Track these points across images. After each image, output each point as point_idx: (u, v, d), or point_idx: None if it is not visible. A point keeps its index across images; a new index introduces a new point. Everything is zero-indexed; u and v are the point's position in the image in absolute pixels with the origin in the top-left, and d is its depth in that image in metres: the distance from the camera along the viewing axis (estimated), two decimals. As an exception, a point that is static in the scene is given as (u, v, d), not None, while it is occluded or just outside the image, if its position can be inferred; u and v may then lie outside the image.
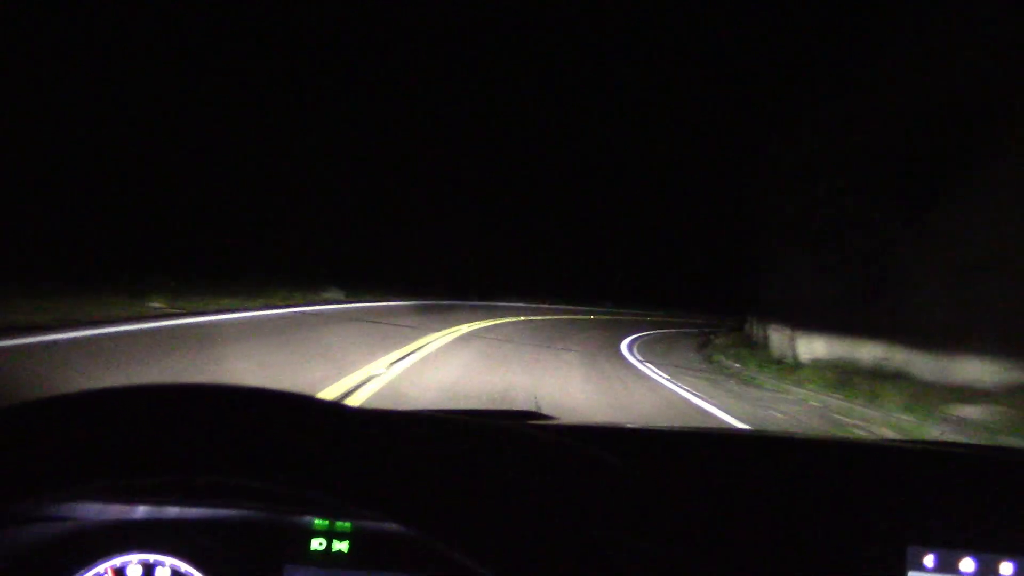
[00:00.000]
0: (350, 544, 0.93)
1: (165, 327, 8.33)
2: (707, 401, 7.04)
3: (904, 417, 6.74)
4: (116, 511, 0.96)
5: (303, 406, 0.54)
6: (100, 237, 15.17)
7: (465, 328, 12.69)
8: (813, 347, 10.78)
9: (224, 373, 5.66)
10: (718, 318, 26.91)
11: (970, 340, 7.75)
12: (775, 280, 13.59)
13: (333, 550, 0.93)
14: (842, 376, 9.11)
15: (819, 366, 10.07)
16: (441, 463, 0.53)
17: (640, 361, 10.61)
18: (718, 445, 1.06)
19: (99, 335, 7.00)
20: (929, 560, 0.80)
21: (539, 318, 19.25)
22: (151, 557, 0.94)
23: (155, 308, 10.10)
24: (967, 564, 0.80)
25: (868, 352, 9.71)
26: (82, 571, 0.93)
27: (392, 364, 7.25)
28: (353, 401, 5.08)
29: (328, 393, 5.33)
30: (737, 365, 11.23)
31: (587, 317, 22.94)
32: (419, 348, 8.98)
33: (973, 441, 5.26)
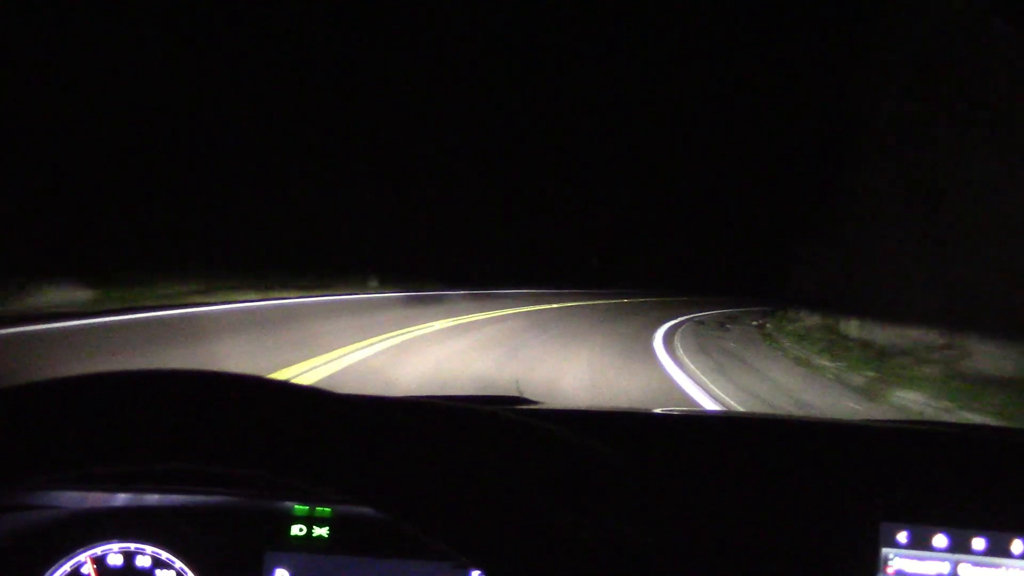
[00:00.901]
0: (330, 529, 0.94)
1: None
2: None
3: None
4: (96, 499, 0.96)
5: (280, 392, 0.53)
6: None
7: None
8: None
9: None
10: (736, 300, 26.48)
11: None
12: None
13: (313, 535, 0.93)
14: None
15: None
16: (419, 448, 0.52)
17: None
18: (696, 427, 1.07)
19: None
20: (902, 536, 0.81)
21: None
22: (131, 545, 0.93)
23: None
24: (940, 540, 0.82)
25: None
26: (62, 560, 0.92)
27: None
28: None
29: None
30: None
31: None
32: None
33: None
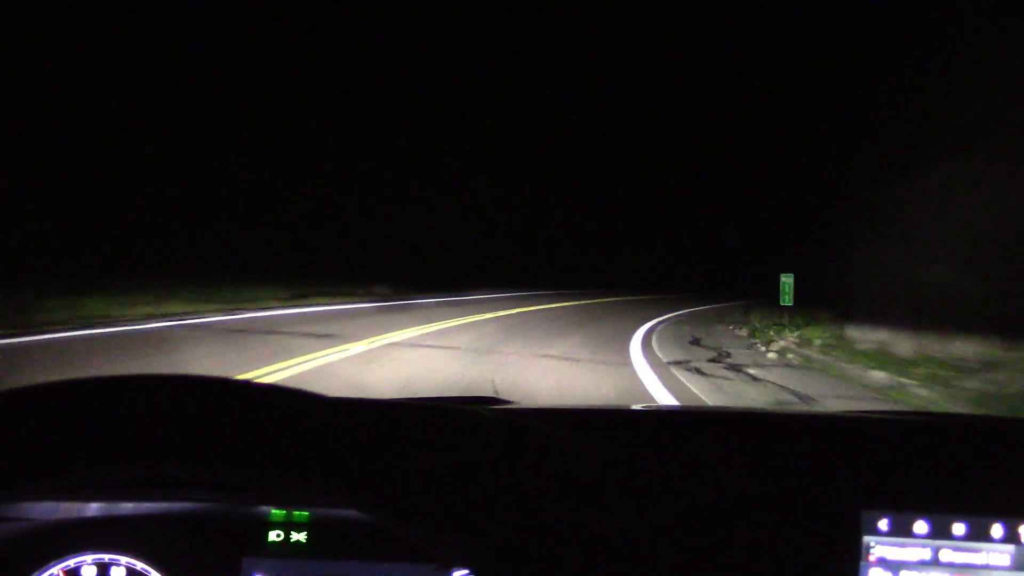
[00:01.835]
0: (308, 534, 0.92)
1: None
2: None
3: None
4: (68, 509, 0.93)
5: (261, 393, 0.52)
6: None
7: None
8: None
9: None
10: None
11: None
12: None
13: (292, 540, 0.92)
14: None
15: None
16: (403, 449, 0.52)
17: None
18: (676, 422, 1.07)
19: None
20: (883, 524, 0.82)
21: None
22: (105, 556, 0.91)
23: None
24: (920, 526, 0.82)
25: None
26: (34, 574, 0.90)
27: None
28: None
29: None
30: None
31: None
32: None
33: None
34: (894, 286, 9.38)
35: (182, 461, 0.48)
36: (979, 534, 0.82)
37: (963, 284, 7.86)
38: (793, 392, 5.84)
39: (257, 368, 5.77)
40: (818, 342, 9.74)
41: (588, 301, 20.78)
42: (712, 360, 7.78)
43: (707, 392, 5.70)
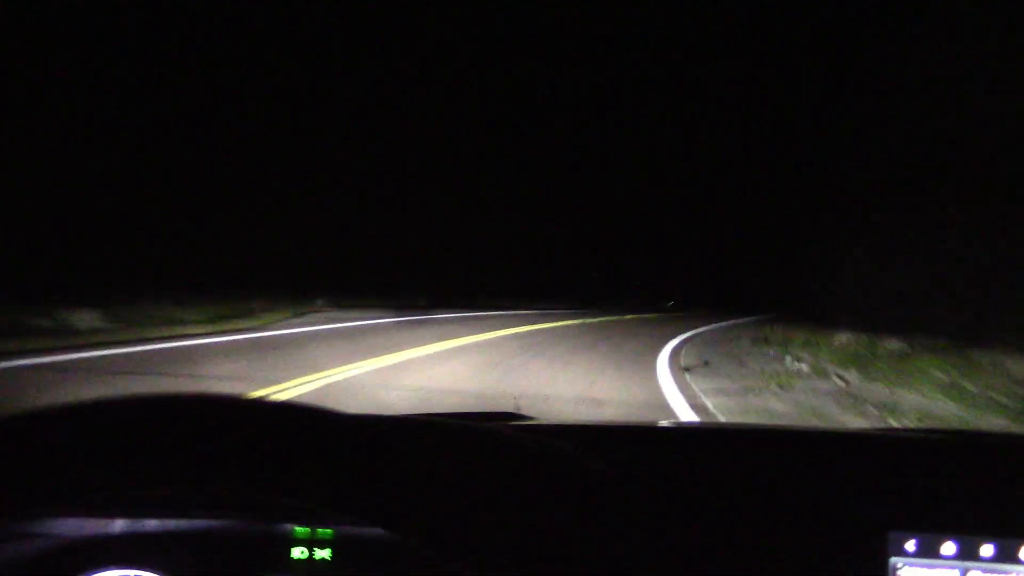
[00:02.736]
0: (332, 551, 0.93)
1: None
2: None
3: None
4: (94, 526, 0.95)
5: (282, 411, 0.53)
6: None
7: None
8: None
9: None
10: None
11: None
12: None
13: (316, 558, 0.92)
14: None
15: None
16: (427, 467, 0.52)
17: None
18: (696, 439, 1.07)
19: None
20: (911, 545, 0.80)
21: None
22: (130, 572, 0.92)
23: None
24: (948, 547, 0.81)
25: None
26: None
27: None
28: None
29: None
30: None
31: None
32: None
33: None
34: (869, 298, 10.78)
35: (206, 481, 0.48)
36: (1007, 556, 0.80)
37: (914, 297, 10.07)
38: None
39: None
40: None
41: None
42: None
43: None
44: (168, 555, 0.93)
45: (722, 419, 5.29)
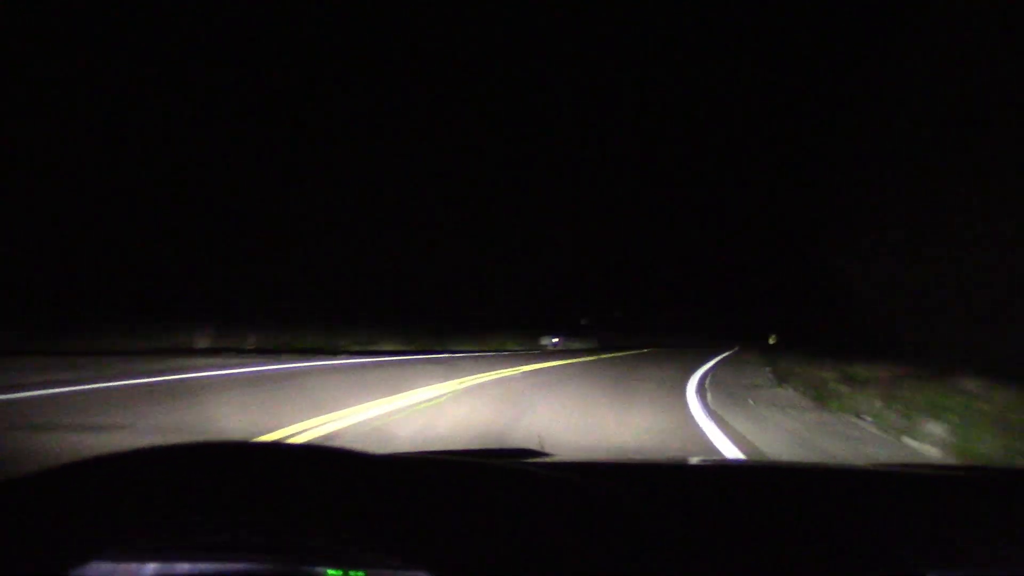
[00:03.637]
0: None
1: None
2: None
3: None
4: (124, 571, 0.95)
5: (312, 454, 0.53)
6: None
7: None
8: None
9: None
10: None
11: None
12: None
13: None
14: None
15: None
16: (460, 509, 0.52)
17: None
18: (730, 476, 1.05)
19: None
20: None
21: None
22: None
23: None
24: None
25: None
26: None
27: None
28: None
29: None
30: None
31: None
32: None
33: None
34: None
35: (239, 524, 0.49)
36: None
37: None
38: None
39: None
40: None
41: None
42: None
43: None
44: None
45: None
